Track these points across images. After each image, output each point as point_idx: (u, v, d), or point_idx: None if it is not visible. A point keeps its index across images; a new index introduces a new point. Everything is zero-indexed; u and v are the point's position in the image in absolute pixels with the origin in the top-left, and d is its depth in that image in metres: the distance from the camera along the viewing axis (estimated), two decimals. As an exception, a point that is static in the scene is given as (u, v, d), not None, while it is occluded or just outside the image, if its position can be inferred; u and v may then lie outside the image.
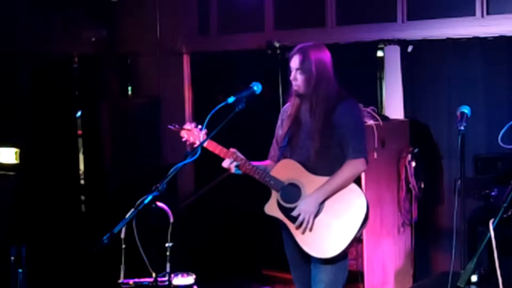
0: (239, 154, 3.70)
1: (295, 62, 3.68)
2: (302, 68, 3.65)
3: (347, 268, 3.74)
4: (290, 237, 3.72)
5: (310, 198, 3.62)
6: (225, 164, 3.70)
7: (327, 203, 3.62)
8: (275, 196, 3.71)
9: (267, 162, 3.85)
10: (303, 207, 3.61)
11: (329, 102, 3.65)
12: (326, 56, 3.72)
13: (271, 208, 3.71)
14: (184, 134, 3.73)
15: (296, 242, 3.67)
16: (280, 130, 3.86)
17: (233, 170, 3.70)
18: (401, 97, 5.74)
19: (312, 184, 3.65)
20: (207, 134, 3.58)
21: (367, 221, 3.64)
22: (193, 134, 3.70)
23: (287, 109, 3.85)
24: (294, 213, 3.62)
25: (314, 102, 3.66)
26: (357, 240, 3.68)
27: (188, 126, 3.73)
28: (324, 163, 3.65)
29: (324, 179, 3.64)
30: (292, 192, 3.67)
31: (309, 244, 3.62)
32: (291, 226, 3.66)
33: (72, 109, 6.89)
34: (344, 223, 3.59)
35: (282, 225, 3.78)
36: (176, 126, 3.77)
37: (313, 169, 3.66)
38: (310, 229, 3.61)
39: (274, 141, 3.90)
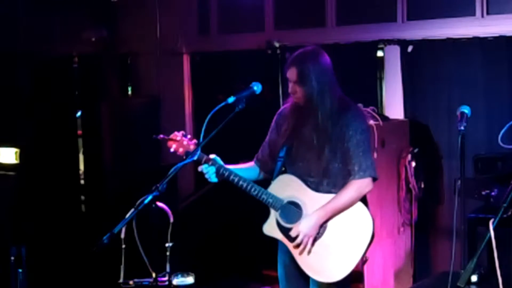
0: (218, 160, 3.52)
1: (291, 74, 3.44)
2: (301, 81, 3.41)
3: (349, 285, 3.57)
4: (287, 254, 3.56)
5: (310, 219, 3.42)
6: (200, 168, 3.50)
7: (331, 224, 3.44)
8: (274, 215, 3.52)
9: (251, 164, 3.70)
10: (302, 228, 3.41)
11: (334, 114, 3.43)
12: (325, 62, 3.47)
13: (270, 228, 3.53)
14: (171, 144, 3.48)
15: (294, 260, 3.51)
16: (274, 134, 3.66)
17: (206, 175, 3.50)
18: (401, 97, 5.74)
19: (313, 202, 3.45)
20: (197, 144, 3.42)
21: (372, 241, 3.47)
22: (182, 144, 3.46)
23: (283, 112, 3.64)
24: (292, 234, 3.43)
25: (320, 117, 3.42)
26: (363, 262, 3.56)
27: (175, 136, 3.49)
28: (326, 178, 3.47)
29: (326, 196, 3.45)
30: (292, 211, 3.48)
31: (312, 268, 3.45)
32: (291, 248, 3.49)
33: (72, 109, 6.88)
34: (350, 246, 3.42)
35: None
36: (162, 136, 3.51)
37: (315, 186, 3.48)
38: (309, 252, 3.44)
39: (265, 143, 3.71)
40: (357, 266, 3.49)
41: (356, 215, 3.46)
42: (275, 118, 3.71)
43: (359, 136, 3.43)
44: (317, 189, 3.48)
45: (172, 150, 3.49)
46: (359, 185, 3.43)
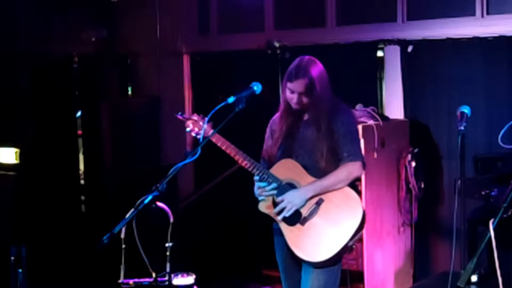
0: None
1: (298, 86, 3.59)
2: (308, 91, 3.59)
3: (338, 275, 3.68)
4: (282, 244, 3.70)
5: (298, 190, 3.60)
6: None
7: (323, 206, 3.59)
8: None
9: None
10: (288, 196, 3.59)
11: (329, 113, 3.65)
12: (322, 68, 3.67)
13: (266, 206, 3.69)
14: (189, 124, 3.68)
15: (288, 248, 3.64)
16: (270, 141, 3.82)
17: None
18: (401, 97, 5.74)
19: None
20: (213, 127, 3.57)
21: (361, 231, 3.60)
22: (199, 125, 3.66)
23: (276, 120, 3.81)
24: (279, 199, 3.60)
25: (319, 118, 3.62)
26: (349, 249, 3.64)
27: (194, 117, 3.68)
28: (321, 171, 3.63)
29: None
30: (288, 191, 3.63)
31: (299, 247, 3.59)
32: (283, 226, 3.64)
33: (72, 109, 6.88)
34: (337, 230, 3.55)
35: (275, 230, 3.78)
36: (185, 116, 3.73)
37: (312, 173, 3.63)
38: (299, 231, 3.58)
39: (263, 153, 3.85)
40: (340, 253, 3.55)
41: (349, 205, 3.60)
42: (269, 126, 3.87)
43: (346, 127, 3.66)
44: (313, 176, 3.63)
45: (188, 129, 3.69)
46: (348, 167, 3.60)
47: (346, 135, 3.63)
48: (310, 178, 3.62)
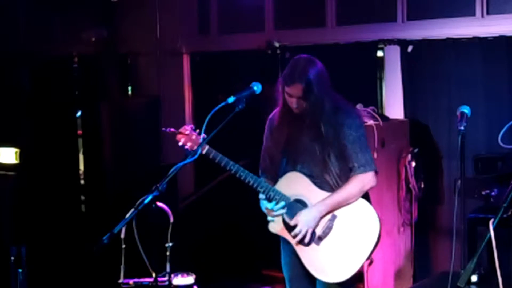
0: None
1: (297, 91, 3.41)
2: (306, 95, 3.40)
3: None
4: (290, 251, 3.57)
5: (310, 210, 3.44)
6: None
7: (337, 223, 3.44)
8: None
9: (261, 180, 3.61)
10: (301, 218, 3.43)
11: (331, 115, 3.47)
12: (322, 69, 3.48)
13: (276, 226, 3.54)
14: (180, 138, 3.47)
15: (297, 257, 3.51)
16: (269, 141, 3.66)
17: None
18: (401, 97, 5.73)
19: (319, 200, 3.46)
20: (205, 139, 3.40)
21: (379, 242, 3.45)
22: (191, 138, 3.45)
23: (275, 119, 3.65)
24: (292, 223, 3.45)
25: (320, 121, 3.44)
26: (368, 263, 3.55)
27: (184, 130, 3.47)
28: (328, 178, 3.48)
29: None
30: (298, 209, 3.48)
31: (318, 268, 3.45)
32: (297, 247, 3.49)
33: (72, 109, 6.89)
34: (356, 246, 3.41)
35: (283, 239, 3.63)
36: (171, 130, 3.50)
37: (319, 185, 3.48)
38: (315, 251, 3.43)
39: (263, 153, 3.70)
40: (361, 267, 3.49)
41: (363, 216, 3.46)
42: (267, 125, 3.72)
43: (354, 133, 3.46)
44: (321, 188, 3.48)
45: (180, 143, 3.47)
46: (360, 180, 3.44)
47: (355, 141, 3.45)
48: (319, 192, 3.46)
